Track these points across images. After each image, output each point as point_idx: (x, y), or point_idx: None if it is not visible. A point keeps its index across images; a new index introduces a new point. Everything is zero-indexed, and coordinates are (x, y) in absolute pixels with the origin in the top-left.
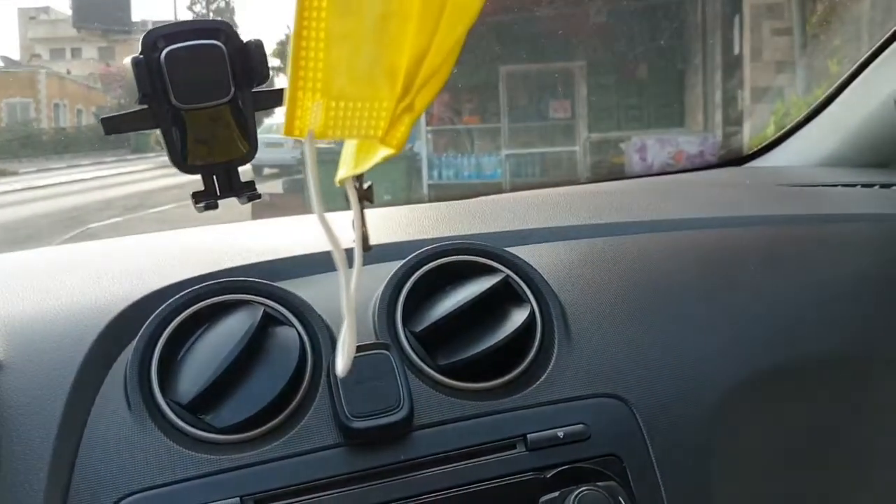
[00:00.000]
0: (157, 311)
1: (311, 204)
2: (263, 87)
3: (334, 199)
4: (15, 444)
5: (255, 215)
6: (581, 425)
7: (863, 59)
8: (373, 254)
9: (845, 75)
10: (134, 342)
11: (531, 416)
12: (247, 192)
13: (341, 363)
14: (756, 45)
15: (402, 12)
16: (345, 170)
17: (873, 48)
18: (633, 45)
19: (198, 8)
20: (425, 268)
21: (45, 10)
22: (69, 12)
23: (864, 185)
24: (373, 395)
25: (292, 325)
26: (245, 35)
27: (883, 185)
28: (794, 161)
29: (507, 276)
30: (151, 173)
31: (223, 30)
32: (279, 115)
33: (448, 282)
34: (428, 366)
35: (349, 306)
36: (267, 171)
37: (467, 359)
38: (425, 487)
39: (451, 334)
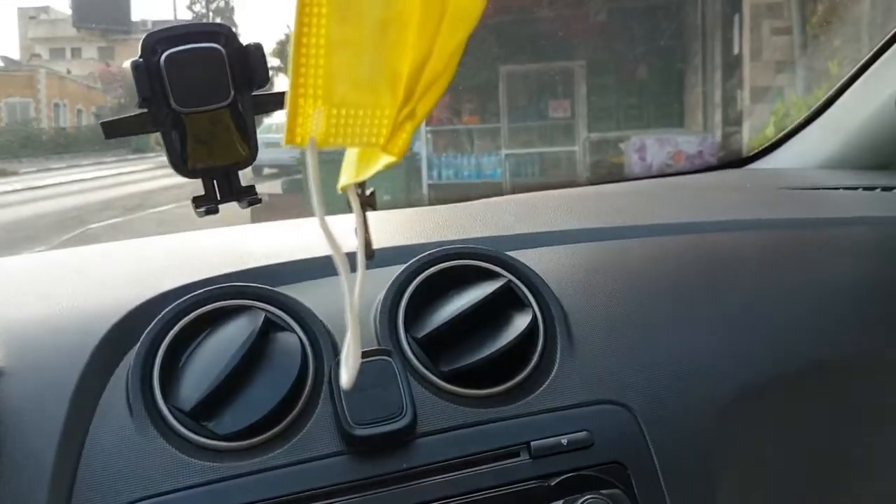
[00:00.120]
0: (159, 316)
1: (313, 209)
2: (263, 91)
3: (334, 202)
4: (17, 450)
5: (255, 216)
6: (584, 432)
7: (864, 60)
8: (374, 258)
9: (846, 77)
10: (135, 348)
11: (534, 424)
12: (247, 196)
13: (346, 376)
14: (756, 45)
15: (403, 18)
16: (346, 177)
17: (874, 50)
18: (633, 45)
19: (197, 7)
20: (427, 272)
21: (45, 9)
22: (69, 12)
23: (865, 188)
24: (375, 403)
25: (294, 331)
26: (245, 36)
27: (885, 188)
28: (794, 163)
29: (509, 280)
30: (152, 173)
31: (223, 33)
32: (278, 114)
33: (450, 286)
34: (430, 372)
35: (353, 317)
36: (266, 171)
37: (470, 365)
38: (428, 495)
39: (453, 340)
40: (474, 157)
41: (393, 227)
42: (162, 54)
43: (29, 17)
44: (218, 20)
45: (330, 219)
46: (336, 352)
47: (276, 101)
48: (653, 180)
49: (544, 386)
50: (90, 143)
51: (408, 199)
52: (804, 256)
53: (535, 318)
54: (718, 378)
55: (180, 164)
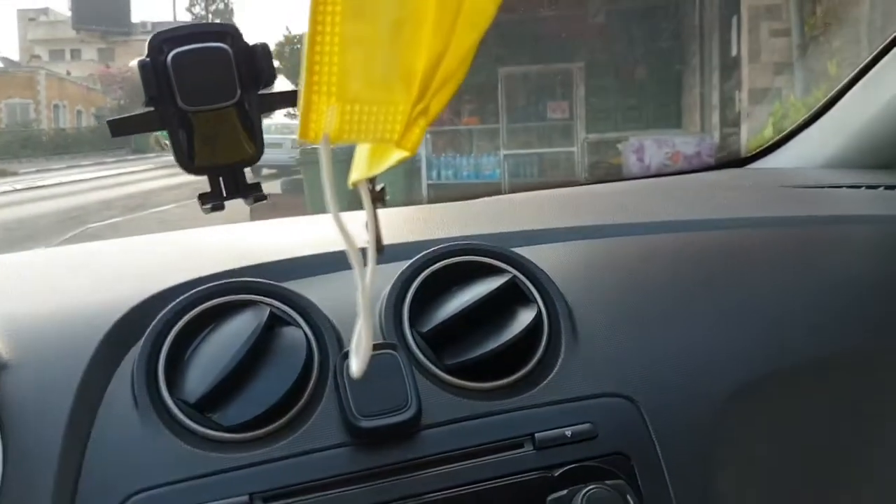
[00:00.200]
0: (164, 311)
1: (326, 203)
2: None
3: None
4: (23, 442)
5: (254, 215)
6: (588, 424)
7: (866, 61)
8: (383, 252)
9: (848, 77)
10: (141, 342)
11: (538, 416)
12: (253, 193)
13: (356, 364)
14: (754, 47)
15: (418, 17)
16: (358, 172)
17: (876, 51)
18: (632, 46)
19: (197, 10)
20: (432, 268)
21: (45, 11)
22: (69, 14)
23: (868, 187)
24: (380, 395)
25: (298, 326)
26: (246, 36)
27: (888, 187)
28: (795, 163)
29: (514, 276)
30: (152, 174)
31: (229, 33)
32: (277, 115)
33: (454, 282)
34: (435, 366)
35: (365, 307)
36: (266, 171)
37: (474, 359)
38: (433, 486)
39: (457, 334)
40: (473, 158)
41: (397, 225)
42: (169, 53)
43: (29, 18)
44: (217, 22)
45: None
46: (341, 345)
47: (282, 99)
48: (653, 179)
49: (548, 379)
50: (90, 144)
51: (407, 199)
52: (805, 254)
53: (539, 313)
54: (720, 372)
55: (187, 162)
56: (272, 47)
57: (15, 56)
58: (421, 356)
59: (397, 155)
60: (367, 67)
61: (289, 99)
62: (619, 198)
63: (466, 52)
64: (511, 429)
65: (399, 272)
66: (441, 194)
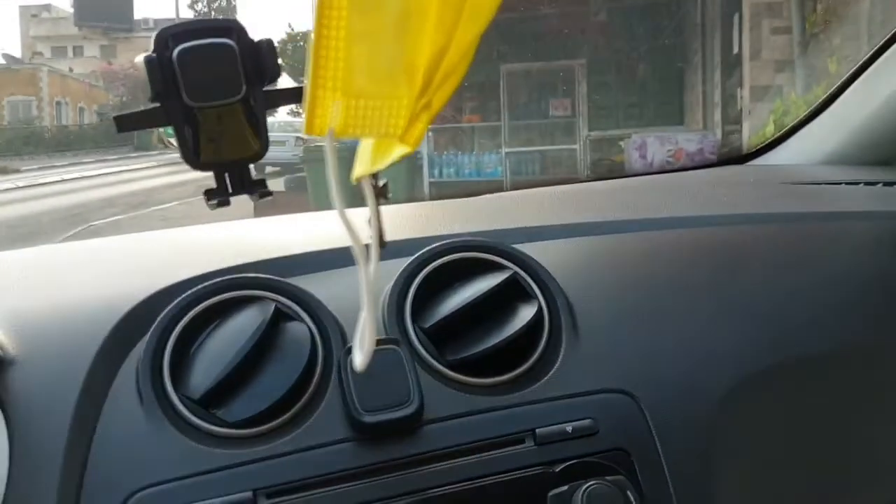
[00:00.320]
0: (169, 306)
1: (331, 197)
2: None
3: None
4: (29, 437)
5: (258, 213)
6: (589, 420)
7: (865, 57)
8: (386, 247)
9: (848, 73)
10: (146, 337)
11: (539, 411)
12: (258, 189)
13: (359, 358)
14: (755, 44)
15: (422, 10)
16: (361, 167)
17: (876, 46)
18: (634, 43)
19: (199, 6)
20: (434, 264)
21: (47, 7)
22: (71, 10)
23: (867, 183)
24: (383, 390)
25: (303, 321)
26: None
27: (886, 183)
28: (796, 159)
29: (515, 272)
30: (154, 171)
31: (235, 29)
32: (281, 113)
33: (456, 278)
34: (437, 361)
35: (369, 301)
36: (269, 169)
37: (476, 354)
38: (435, 481)
39: (459, 330)
40: (475, 155)
41: (399, 221)
42: (174, 49)
43: (31, 15)
44: (222, 18)
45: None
46: (345, 341)
47: (287, 96)
48: (655, 176)
49: (549, 375)
50: (92, 141)
51: (409, 197)
52: (805, 250)
53: (540, 309)
54: (720, 368)
55: (193, 158)
56: (276, 44)
57: (17, 53)
58: (423, 351)
59: (400, 150)
60: (372, 62)
61: (294, 95)
62: (621, 194)
63: (468, 47)
64: (512, 424)
65: (401, 268)
66: (443, 192)
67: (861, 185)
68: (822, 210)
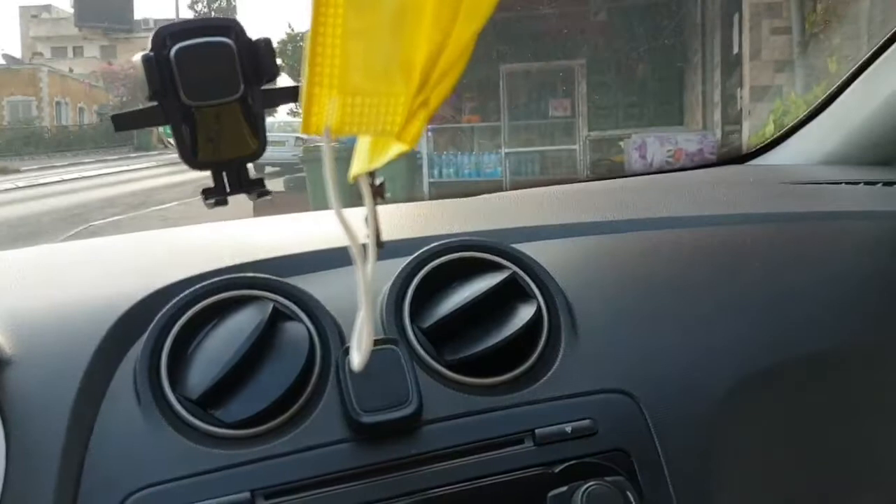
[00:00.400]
0: (167, 306)
1: (329, 197)
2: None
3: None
4: (26, 437)
5: (257, 213)
6: (588, 420)
7: (865, 57)
8: (383, 247)
9: (848, 73)
10: (143, 337)
11: (538, 412)
12: (257, 188)
13: (357, 358)
14: (755, 44)
15: (418, 7)
16: (358, 166)
17: (876, 46)
18: (633, 43)
19: (199, 7)
20: (432, 264)
21: (47, 8)
22: (71, 11)
23: (866, 183)
24: (382, 390)
25: (301, 321)
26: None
27: (886, 183)
28: (795, 159)
29: (514, 272)
30: (154, 171)
31: (233, 27)
32: (280, 113)
33: (455, 278)
34: (436, 361)
35: (366, 301)
36: (269, 169)
37: (475, 354)
38: (434, 482)
39: (458, 330)
40: (474, 156)
41: (398, 221)
42: (172, 48)
43: (31, 15)
44: (221, 17)
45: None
46: (343, 341)
47: (285, 95)
48: (654, 176)
49: (548, 375)
50: (92, 141)
51: (409, 197)
52: (805, 249)
53: (539, 308)
54: (719, 368)
55: (191, 157)
56: (274, 45)
57: (17, 53)
58: (422, 351)
59: (397, 148)
60: (368, 59)
61: (291, 94)
62: (620, 194)
63: (466, 44)
64: (511, 424)
65: (400, 268)
66: (442, 192)
67: (861, 184)
68: (822, 210)
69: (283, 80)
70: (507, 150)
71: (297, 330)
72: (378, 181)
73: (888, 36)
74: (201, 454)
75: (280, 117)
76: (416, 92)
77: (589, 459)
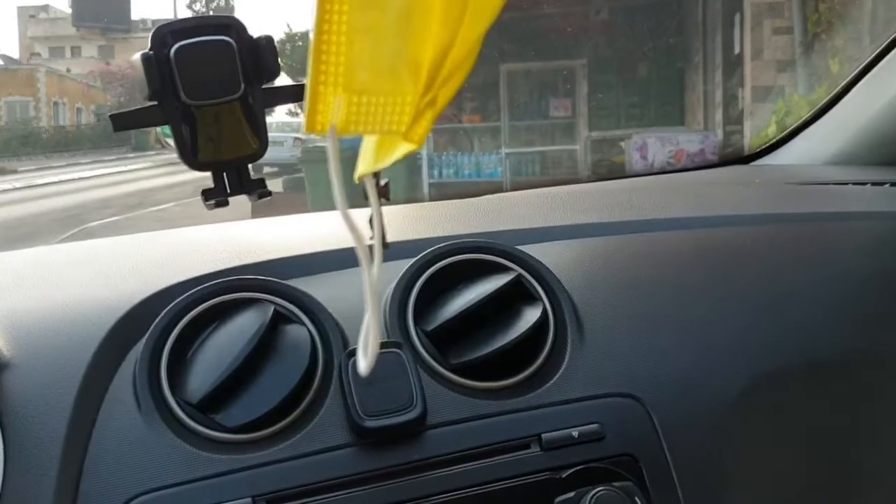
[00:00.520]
0: (167, 308)
1: (334, 196)
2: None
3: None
4: (25, 440)
5: (255, 214)
6: (595, 425)
7: (871, 57)
8: (388, 248)
9: (853, 73)
10: (143, 340)
11: (545, 416)
12: (257, 189)
13: (364, 361)
14: (757, 44)
15: (426, 5)
16: (364, 166)
17: (882, 46)
18: (634, 43)
19: (197, 6)
20: (436, 266)
21: (45, 8)
22: (69, 11)
23: (873, 184)
24: (385, 394)
25: (303, 324)
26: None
27: (893, 184)
28: (800, 160)
29: (520, 274)
30: (151, 171)
31: (233, 26)
32: (279, 113)
33: (459, 280)
34: (440, 365)
35: (373, 303)
36: (267, 169)
37: (480, 358)
38: (439, 487)
39: (463, 333)
40: (475, 156)
41: (399, 222)
42: (172, 46)
43: (29, 15)
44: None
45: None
46: (346, 345)
47: (286, 94)
48: (658, 176)
49: (555, 378)
50: (90, 142)
51: (408, 198)
52: (812, 251)
53: (545, 311)
54: (729, 371)
55: (191, 158)
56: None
57: (15, 53)
58: (426, 355)
59: (404, 148)
60: (375, 57)
61: (293, 93)
62: (624, 195)
63: (474, 44)
64: (517, 429)
65: (403, 270)
66: (442, 193)
67: (868, 185)
68: (828, 210)
69: (282, 81)
70: (507, 151)
71: (299, 333)
72: (383, 182)
73: (895, 35)
74: (202, 459)
75: (279, 117)
76: (424, 91)
77: (596, 464)
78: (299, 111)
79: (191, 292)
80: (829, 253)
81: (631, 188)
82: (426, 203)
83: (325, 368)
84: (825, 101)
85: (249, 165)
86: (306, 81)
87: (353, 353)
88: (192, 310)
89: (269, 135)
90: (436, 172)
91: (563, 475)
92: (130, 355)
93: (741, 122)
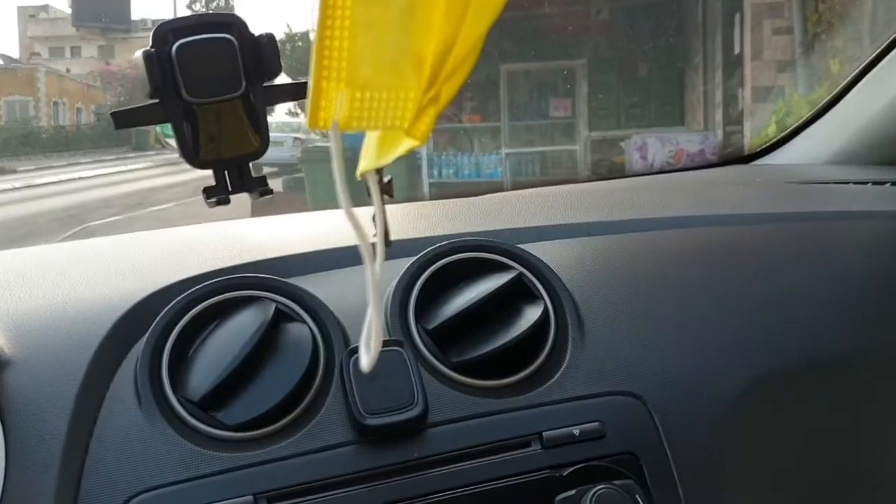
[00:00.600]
0: (168, 306)
1: (337, 194)
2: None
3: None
4: (26, 439)
5: (255, 213)
6: (596, 423)
7: (871, 56)
8: (391, 245)
9: (854, 73)
10: (144, 338)
11: (546, 414)
12: (258, 187)
13: (366, 358)
14: (757, 45)
15: (428, 1)
16: (367, 162)
17: (882, 45)
18: (634, 43)
19: (197, 6)
20: (438, 264)
21: (45, 8)
22: (69, 11)
23: (874, 183)
24: (386, 392)
25: (305, 322)
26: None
27: (894, 183)
28: (801, 159)
29: (521, 273)
30: (152, 171)
31: (235, 24)
32: (279, 113)
33: (460, 279)
34: (441, 363)
35: (375, 300)
36: (267, 169)
37: (481, 356)
38: (440, 485)
39: (464, 331)
40: (475, 156)
41: (400, 220)
42: (174, 44)
43: (29, 15)
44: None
45: (340, 210)
46: (347, 342)
47: (288, 92)
48: (659, 176)
49: (556, 377)
50: (90, 141)
51: (408, 197)
52: (813, 250)
53: (546, 309)
54: (730, 370)
55: (192, 156)
56: None
57: (15, 53)
58: (427, 353)
59: (406, 144)
60: (378, 52)
61: (294, 91)
62: (625, 194)
63: (477, 40)
64: (518, 427)
65: (405, 268)
66: (442, 193)
67: (869, 184)
68: (828, 209)
69: (282, 81)
70: (507, 151)
71: (300, 331)
72: (386, 179)
73: (895, 35)
74: (203, 457)
75: (278, 117)
76: (427, 86)
77: (597, 463)
78: (299, 111)
79: (192, 290)
80: (830, 252)
81: (631, 187)
82: (427, 202)
83: (327, 366)
84: (826, 100)
85: (250, 164)
86: (309, 77)
87: (354, 351)
88: (193, 308)
89: (270, 134)
90: (435, 172)
91: (564, 473)
92: (131, 353)
93: (741, 122)
